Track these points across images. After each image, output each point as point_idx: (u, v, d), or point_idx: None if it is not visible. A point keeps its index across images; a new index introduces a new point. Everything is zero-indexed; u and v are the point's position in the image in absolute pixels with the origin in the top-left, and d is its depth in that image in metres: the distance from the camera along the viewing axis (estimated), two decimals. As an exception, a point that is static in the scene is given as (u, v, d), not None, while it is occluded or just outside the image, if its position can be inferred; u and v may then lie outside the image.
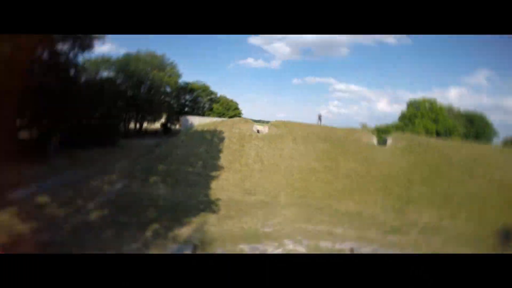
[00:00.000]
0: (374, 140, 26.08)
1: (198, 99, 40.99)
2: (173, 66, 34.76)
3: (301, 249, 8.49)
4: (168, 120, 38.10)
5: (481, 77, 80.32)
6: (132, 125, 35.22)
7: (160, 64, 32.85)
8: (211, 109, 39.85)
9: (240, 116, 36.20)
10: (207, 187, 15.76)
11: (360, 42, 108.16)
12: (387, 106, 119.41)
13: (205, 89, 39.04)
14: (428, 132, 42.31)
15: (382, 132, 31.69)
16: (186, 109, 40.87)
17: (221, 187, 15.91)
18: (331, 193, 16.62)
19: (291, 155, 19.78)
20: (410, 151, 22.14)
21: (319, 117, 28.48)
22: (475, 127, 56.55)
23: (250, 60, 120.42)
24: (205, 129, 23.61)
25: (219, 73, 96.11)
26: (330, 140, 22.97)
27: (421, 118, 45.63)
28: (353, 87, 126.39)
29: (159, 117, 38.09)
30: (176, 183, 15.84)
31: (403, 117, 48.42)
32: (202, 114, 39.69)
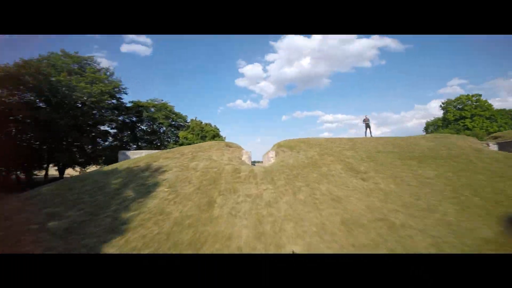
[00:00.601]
0: (493, 146, 12.97)
1: (157, 127, 27.21)
2: (106, 71, 21.60)
3: None
4: (106, 161, 23.65)
5: (456, 86, 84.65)
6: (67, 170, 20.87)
7: (76, 66, 19.66)
8: (176, 141, 26.07)
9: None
10: None
11: (338, 70, 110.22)
12: (376, 130, 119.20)
13: (162, 108, 25.46)
14: (488, 134, 30.10)
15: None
16: (141, 143, 27.01)
17: None
18: None
19: (378, 207, 5.73)
20: None
21: (367, 123, 15.07)
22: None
23: (239, 102, 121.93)
24: (125, 166, 9.61)
25: (210, 118, 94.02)
26: (432, 158, 9.39)
27: (471, 118, 33.76)
28: (340, 116, 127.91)
29: (95, 158, 23.71)
30: None
31: (444, 122, 36.51)
32: (164, 147, 25.87)
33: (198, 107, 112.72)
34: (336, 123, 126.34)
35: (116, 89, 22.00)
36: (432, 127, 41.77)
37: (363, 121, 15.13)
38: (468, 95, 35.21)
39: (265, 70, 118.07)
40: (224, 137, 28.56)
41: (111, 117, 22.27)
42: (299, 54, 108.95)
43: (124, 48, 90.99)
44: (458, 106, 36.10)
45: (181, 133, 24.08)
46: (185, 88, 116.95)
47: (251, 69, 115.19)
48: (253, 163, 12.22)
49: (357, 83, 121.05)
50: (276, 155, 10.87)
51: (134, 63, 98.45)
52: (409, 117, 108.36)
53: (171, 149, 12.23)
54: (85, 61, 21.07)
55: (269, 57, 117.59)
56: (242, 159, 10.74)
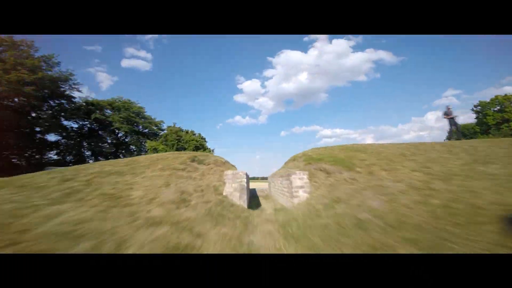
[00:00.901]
0: None
1: (124, 135, 20.47)
2: (47, 59, 15.10)
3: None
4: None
5: (451, 97, 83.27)
6: None
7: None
8: (146, 152, 19.43)
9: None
10: None
11: (335, 84, 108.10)
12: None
13: (122, 108, 18.68)
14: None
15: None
16: (101, 157, 20.31)
17: None
18: None
19: None
20: None
21: (451, 118, 8.70)
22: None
23: (238, 118, 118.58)
24: None
25: (210, 135, 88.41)
26: None
27: (515, 121, 27.86)
28: (338, 130, 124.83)
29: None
30: None
31: (482, 127, 30.62)
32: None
33: (197, 124, 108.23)
34: (334, 137, 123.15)
35: (63, 85, 15.70)
36: (456, 134, 35.87)
37: (444, 115, 8.81)
38: (506, 95, 29.68)
39: (263, 86, 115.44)
40: (212, 150, 22.02)
41: (52, 121, 15.68)
42: (296, 69, 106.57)
43: (125, 63, 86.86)
44: (493, 109, 30.53)
45: (149, 143, 17.32)
46: (184, 105, 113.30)
47: (250, 85, 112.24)
48: (254, 190, 5.74)
49: (353, 97, 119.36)
50: (307, 178, 4.42)
51: (134, 78, 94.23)
52: (407, 129, 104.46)
53: (78, 166, 5.62)
54: (21, 46, 14.90)
55: (268, 72, 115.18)
56: (224, 193, 4.28)
